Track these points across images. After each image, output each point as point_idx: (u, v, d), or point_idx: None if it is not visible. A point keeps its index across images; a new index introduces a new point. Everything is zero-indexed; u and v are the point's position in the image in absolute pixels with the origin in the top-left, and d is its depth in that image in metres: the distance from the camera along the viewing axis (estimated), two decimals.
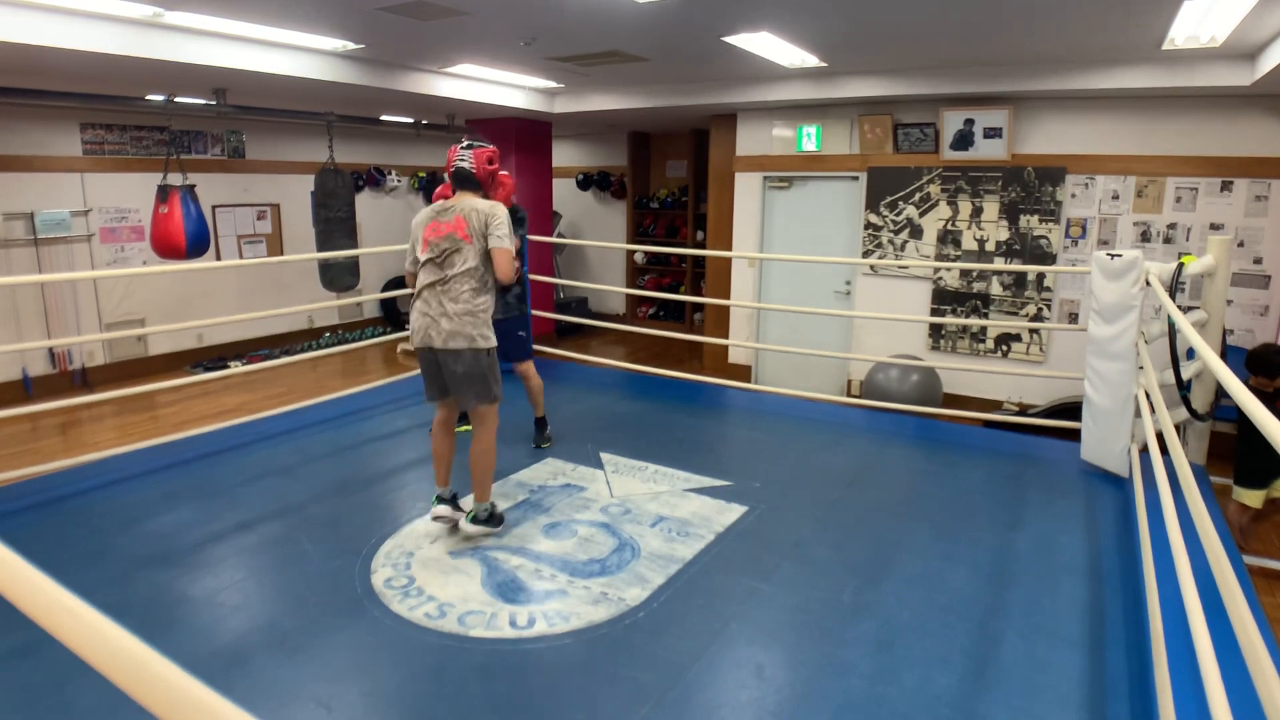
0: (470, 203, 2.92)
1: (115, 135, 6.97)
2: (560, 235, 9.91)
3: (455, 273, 2.87)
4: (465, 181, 2.99)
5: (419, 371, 3.17)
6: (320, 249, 6.93)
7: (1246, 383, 3.62)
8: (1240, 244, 5.39)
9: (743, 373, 7.33)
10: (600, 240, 10.24)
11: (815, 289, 6.95)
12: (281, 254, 8.32)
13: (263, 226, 8.27)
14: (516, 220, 4.04)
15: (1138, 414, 3.59)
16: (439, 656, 2.34)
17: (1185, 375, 3.43)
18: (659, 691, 2.17)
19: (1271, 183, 5.27)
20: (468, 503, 3.12)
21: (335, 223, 6.96)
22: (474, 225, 2.87)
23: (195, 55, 4.51)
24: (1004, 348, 6.19)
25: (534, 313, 5.84)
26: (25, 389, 6.47)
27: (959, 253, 6.25)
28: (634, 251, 10.01)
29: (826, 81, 5.99)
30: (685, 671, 2.26)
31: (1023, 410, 5.98)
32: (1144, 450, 3.47)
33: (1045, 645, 2.40)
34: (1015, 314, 6.10)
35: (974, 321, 6.14)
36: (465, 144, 3.02)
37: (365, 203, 9.23)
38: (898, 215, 6.45)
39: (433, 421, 3.22)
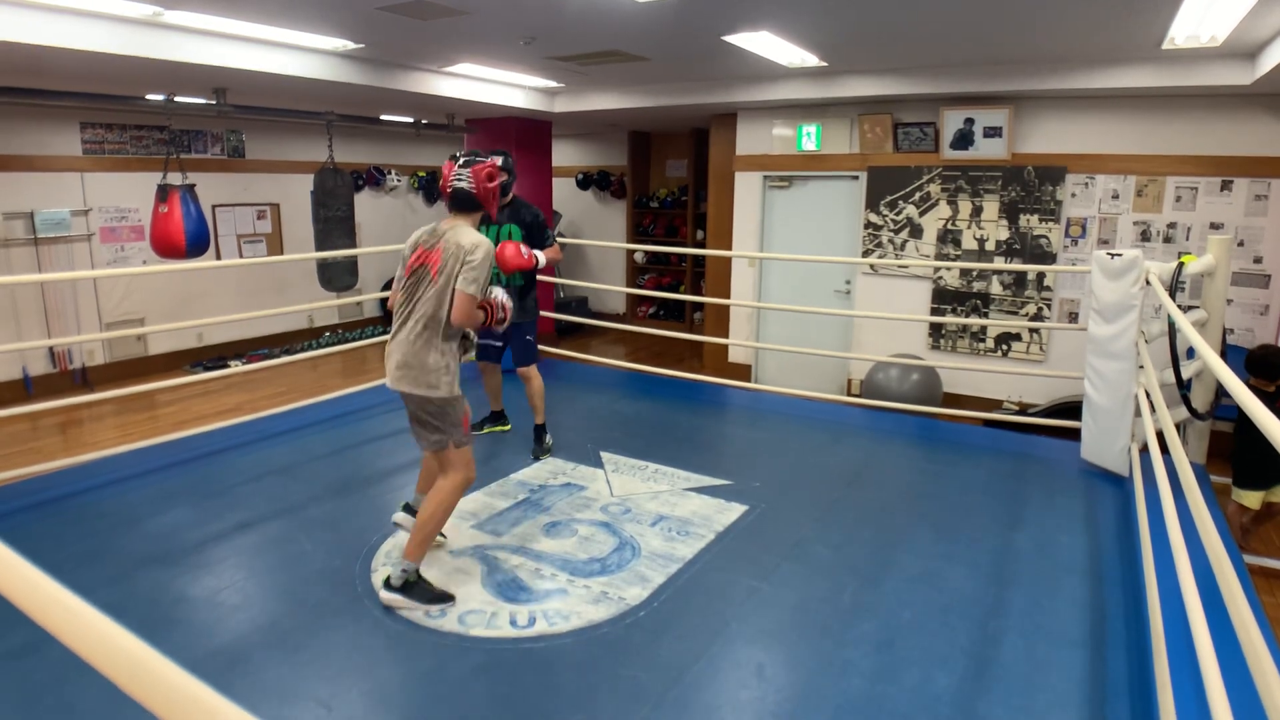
0: (457, 235, 2.57)
1: (115, 135, 6.97)
2: (560, 235, 9.90)
3: (416, 310, 2.58)
4: (464, 204, 2.63)
5: None
6: (319, 249, 6.93)
7: (1246, 384, 3.63)
8: (1240, 243, 5.38)
9: (743, 372, 7.33)
10: (600, 240, 10.23)
11: (815, 288, 6.95)
12: (281, 254, 8.32)
13: (263, 226, 8.27)
14: (539, 227, 3.93)
15: (1138, 413, 3.59)
16: (439, 656, 2.34)
17: (1185, 374, 3.43)
18: (659, 691, 2.17)
19: (1271, 182, 5.26)
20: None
21: (334, 222, 6.95)
22: (447, 265, 2.53)
23: (195, 55, 4.51)
24: (1004, 347, 6.19)
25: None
26: (25, 388, 6.47)
27: (959, 252, 6.25)
28: (634, 251, 10.01)
29: (826, 81, 5.98)
30: (685, 671, 2.26)
31: (1023, 409, 5.98)
32: (1144, 449, 3.47)
33: (1045, 645, 2.40)
34: (1015, 313, 6.10)
35: (974, 321, 6.14)
36: (463, 159, 2.62)
37: (365, 202, 9.22)
38: (898, 215, 6.44)
39: None
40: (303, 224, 8.14)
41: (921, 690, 2.18)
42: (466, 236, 2.57)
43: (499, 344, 4.20)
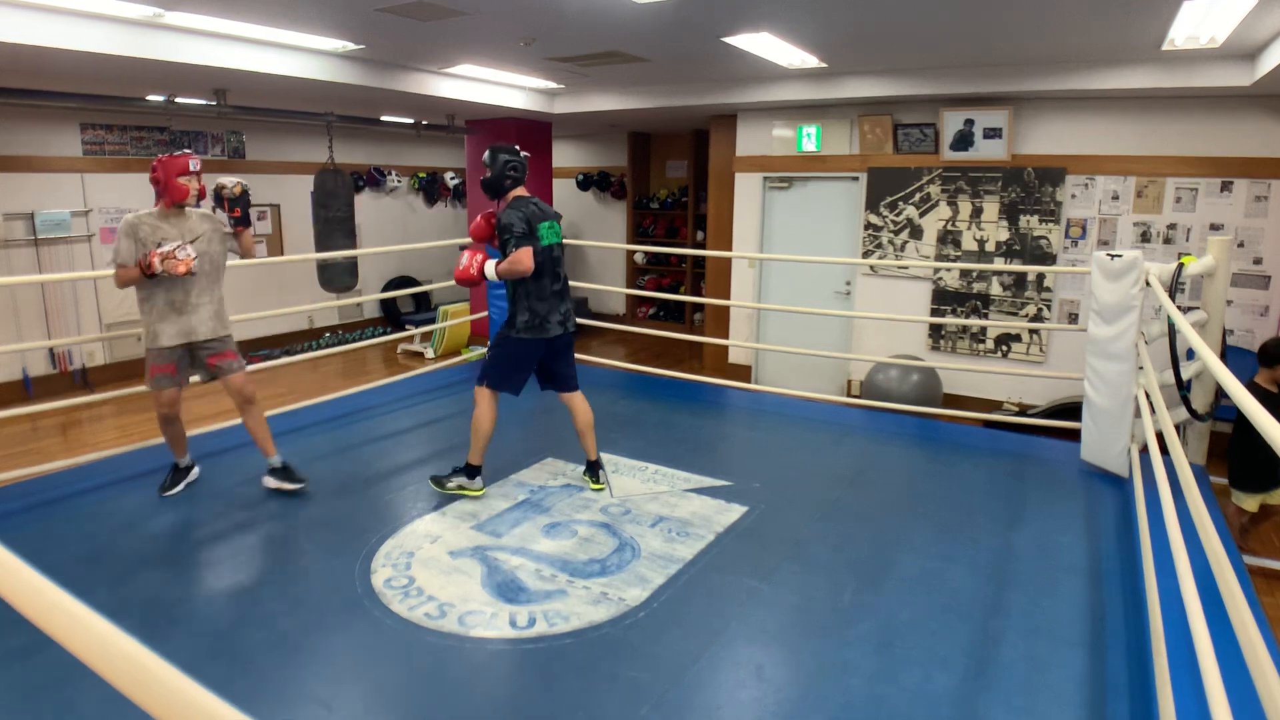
0: None
1: (115, 135, 6.98)
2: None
3: None
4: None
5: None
6: (319, 249, 6.93)
7: (1251, 380, 3.63)
8: (1240, 244, 5.39)
9: (743, 373, 7.33)
10: (600, 240, 10.23)
11: (815, 289, 6.95)
12: (282, 254, 8.32)
13: (263, 226, 8.27)
14: (500, 230, 3.20)
15: (1138, 414, 3.59)
16: (439, 656, 2.34)
17: (1185, 375, 3.43)
18: (659, 691, 2.17)
19: (1271, 183, 5.27)
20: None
21: (335, 223, 6.96)
22: None
23: (195, 56, 4.51)
24: (1004, 348, 6.19)
25: None
26: (25, 389, 6.47)
27: (959, 253, 6.25)
28: (634, 252, 10.01)
29: (826, 82, 5.99)
30: (685, 671, 2.26)
31: (1023, 410, 5.98)
32: (1144, 450, 3.47)
33: (1045, 645, 2.40)
34: (1015, 314, 6.10)
35: (974, 322, 6.14)
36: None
37: (365, 203, 9.22)
38: (898, 215, 6.45)
39: None
40: (303, 225, 8.14)
41: (921, 690, 2.18)
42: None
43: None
